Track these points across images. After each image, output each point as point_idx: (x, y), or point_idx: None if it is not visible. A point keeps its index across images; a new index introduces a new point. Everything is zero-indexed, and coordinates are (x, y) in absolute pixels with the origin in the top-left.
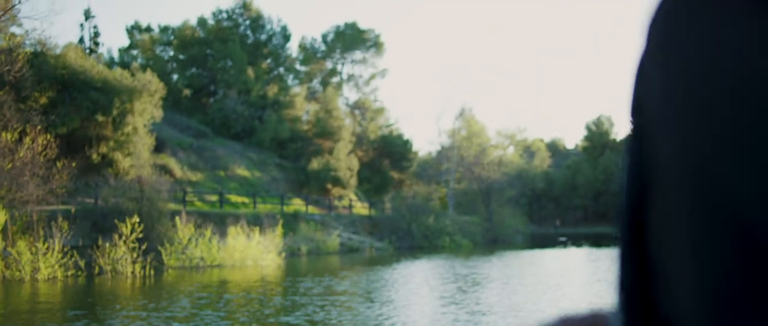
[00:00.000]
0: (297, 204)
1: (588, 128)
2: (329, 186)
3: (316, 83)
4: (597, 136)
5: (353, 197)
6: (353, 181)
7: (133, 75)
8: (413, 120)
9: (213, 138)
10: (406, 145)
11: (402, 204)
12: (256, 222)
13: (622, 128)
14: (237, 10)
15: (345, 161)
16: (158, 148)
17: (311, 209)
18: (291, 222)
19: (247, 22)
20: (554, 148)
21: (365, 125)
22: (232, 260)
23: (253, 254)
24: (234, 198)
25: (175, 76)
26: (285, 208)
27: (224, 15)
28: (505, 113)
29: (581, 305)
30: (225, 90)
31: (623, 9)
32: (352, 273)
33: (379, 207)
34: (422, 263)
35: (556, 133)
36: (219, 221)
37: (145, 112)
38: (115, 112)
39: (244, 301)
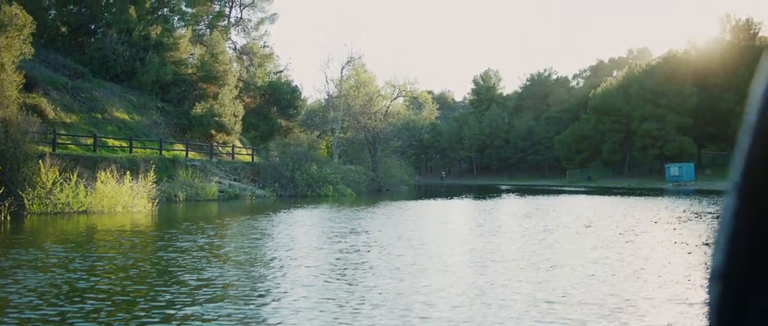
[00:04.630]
0: (178, 149)
1: (475, 82)
2: (213, 131)
3: (202, 26)
4: (484, 90)
5: (238, 143)
6: (238, 127)
7: None
8: (302, 67)
9: (91, 79)
10: (294, 92)
11: (286, 151)
12: (133, 166)
13: (507, 83)
14: None
15: (230, 106)
16: (29, 88)
17: (192, 155)
18: (169, 168)
19: None
20: (442, 101)
21: (253, 71)
22: (100, 206)
23: (123, 200)
24: (111, 141)
25: (52, 12)
26: (164, 153)
27: None
28: (395, 64)
29: (431, 260)
30: (105, 29)
31: None
32: (213, 222)
33: (263, 155)
34: (296, 212)
35: (445, 85)
36: (92, 165)
37: (13, 48)
38: None
39: (77, 249)
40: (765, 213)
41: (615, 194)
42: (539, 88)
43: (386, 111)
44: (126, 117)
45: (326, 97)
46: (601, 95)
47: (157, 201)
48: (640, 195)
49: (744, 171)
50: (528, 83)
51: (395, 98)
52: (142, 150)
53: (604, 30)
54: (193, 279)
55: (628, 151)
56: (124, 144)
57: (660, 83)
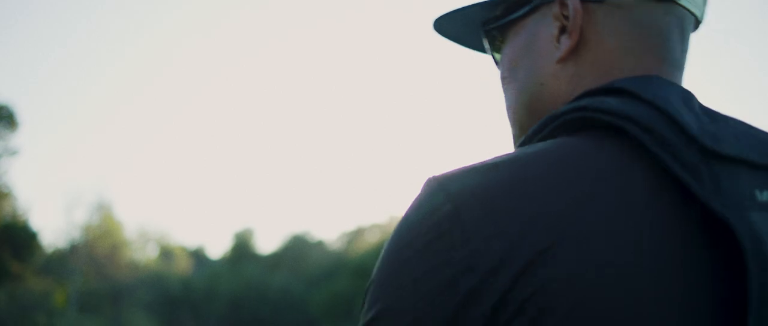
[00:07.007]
0: None
1: (234, 238)
2: None
3: None
4: (242, 247)
5: None
6: None
7: None
8: (45, 208)
9: None
10: (32, 236)
11: (13, 301)
12: None
13: (265, 240)
14: None
15: None
16: None
17: None
18: None
19: None
20: (198, 255)
21: None
22: None
23: None
24: None
25: None
26: None
27: None
28: (149, 214)
29: None
30: None
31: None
32: None
33: None
34: None
35: (202, 239)
36: None
37: None
38: None
39: None
40: None
41: None
42: (298, 248)
43: (134, 262)
44: None
45: (69, 244)
46: (360, 257)
47: None
48: None
49: None
50: (287, 243)
51: (145, 249)
52: None
53: (366, 196)
54: None
55: None
56: None
57: None
